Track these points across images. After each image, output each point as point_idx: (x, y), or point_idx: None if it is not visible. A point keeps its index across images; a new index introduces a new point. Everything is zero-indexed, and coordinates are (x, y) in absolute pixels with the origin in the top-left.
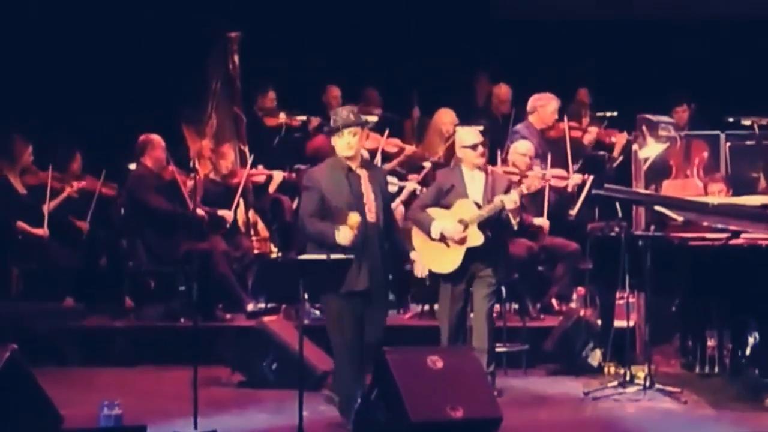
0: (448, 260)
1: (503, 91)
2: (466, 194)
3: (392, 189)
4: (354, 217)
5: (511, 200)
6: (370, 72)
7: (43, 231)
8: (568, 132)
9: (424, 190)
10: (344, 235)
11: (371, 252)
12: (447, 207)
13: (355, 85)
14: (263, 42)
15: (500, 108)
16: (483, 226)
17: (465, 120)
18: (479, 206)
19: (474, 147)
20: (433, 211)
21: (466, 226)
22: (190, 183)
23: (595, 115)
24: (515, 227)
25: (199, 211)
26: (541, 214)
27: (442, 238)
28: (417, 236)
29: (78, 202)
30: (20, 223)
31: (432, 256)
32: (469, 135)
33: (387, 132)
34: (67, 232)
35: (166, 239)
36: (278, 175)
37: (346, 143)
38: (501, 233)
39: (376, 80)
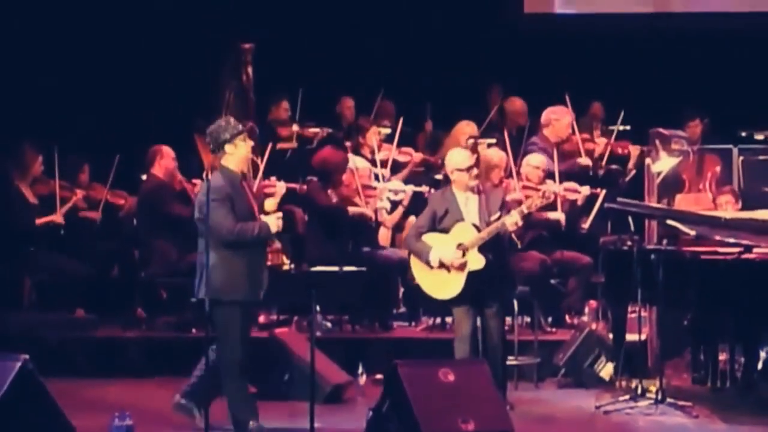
0: (450, 286)
1: (518, 104)
2: (462, 217)
3: (399, 197)
4: (270, 203)
5: (512, 221)
6: (384, 84)
7: (59, 217)
8: (582, 145)
9: (433, 190)
10: (273, 221)
11: (263, 263)
12: (444, 231)
13: (369, 96)
14: (277, 53)
15: (516, 121)
16: (483, 248)
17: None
18: (478, 229)
19: (468, 169)
20: (431, 237)
21: (465, 251)
22: (197, 189)
23: (606, 129)
24: (519, 245)
25: None
26: (554, 209)
27: (442, 265)
28: (416, 264)
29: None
30: (38, 220)
31: (433, 284)
32: (463, 157)
33: (396, 141)
34: (78, 241)
35: (179, 250)
36: (281, 187)
37: (245, 149)
38: (502, 254)
39: (389, 92)
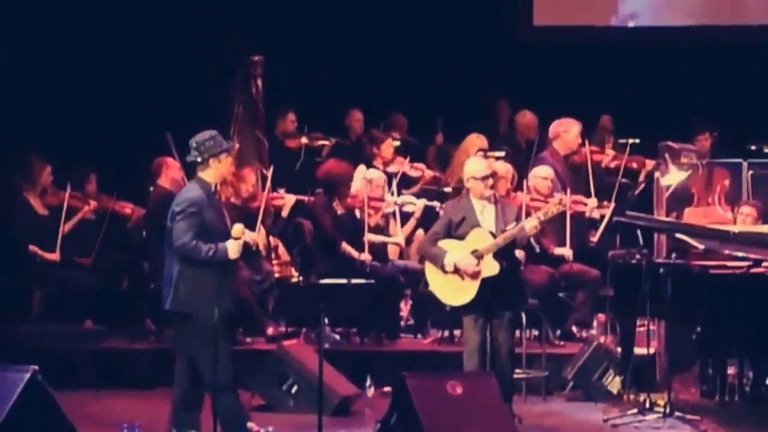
0: (464, 292)
1: (528, 118)
2: (479, 225)
3: (410, 208)
4: (237, 228)
5: (531, 225)
6: (394, 98)
7: (54, 255)
8: (590, 157)
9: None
10: (234, 248)
11: (233, 274)
12: (460, 238)
13: (379, 109)
14: (287, 66)
15: (527, 134)
16: (498, 255)
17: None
18: (494, 236)
19: (484, 179)
20: (446, 243)
21: (480, 258)
22: None
23: (617, 143)
24: (537, 249)
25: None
26: (563, 243)
27: (456, 270)
28: (430, 269)
29: (94, 224)
30: (32, 247)
31: (447, 289)
32: (480, 166)
33: (409, 156)
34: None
35: None
36: (290, 199)
37: (227, 166)
38: (515, 264)
39: (399, 106)
